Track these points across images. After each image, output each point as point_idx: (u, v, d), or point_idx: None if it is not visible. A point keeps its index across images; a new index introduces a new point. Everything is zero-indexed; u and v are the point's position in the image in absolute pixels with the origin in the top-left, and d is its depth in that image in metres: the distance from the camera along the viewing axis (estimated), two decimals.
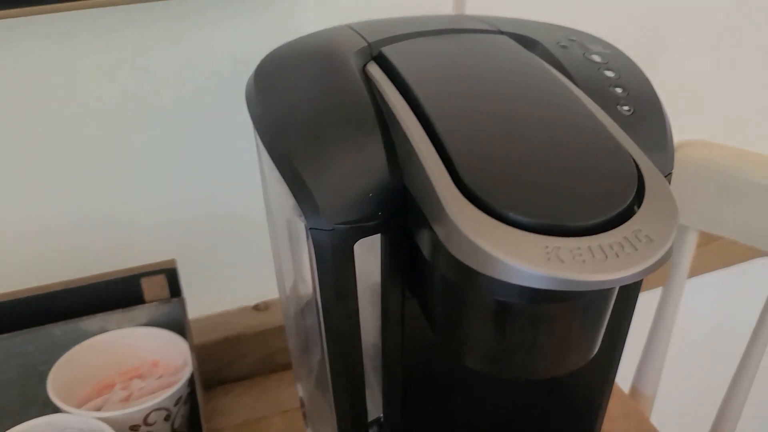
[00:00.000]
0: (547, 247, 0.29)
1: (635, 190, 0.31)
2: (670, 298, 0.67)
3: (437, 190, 0.31)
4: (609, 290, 0.33)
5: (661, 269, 0.71)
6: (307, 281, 0.43)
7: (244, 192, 0.62)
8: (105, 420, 0.45)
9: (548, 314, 0.33)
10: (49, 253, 0.57)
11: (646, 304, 0.71)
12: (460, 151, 0.32)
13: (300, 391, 0.56)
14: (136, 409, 0.46)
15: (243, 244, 0.66)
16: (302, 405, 0.56)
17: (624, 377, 0.70)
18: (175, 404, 0.49)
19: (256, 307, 0.68)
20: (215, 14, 0.54)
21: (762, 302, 0.63)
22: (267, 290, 0.68)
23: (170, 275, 0.53)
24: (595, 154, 0.33)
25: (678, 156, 0.61)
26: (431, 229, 0.32)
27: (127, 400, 0.49)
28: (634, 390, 0.71)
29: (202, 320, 0.65)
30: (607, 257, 0.28)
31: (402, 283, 0.39)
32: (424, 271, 0.37)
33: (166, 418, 0.49)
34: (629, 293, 0.43)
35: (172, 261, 0.54)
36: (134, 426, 0.47)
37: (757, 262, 0.88)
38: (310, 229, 0.35)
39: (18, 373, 0.52)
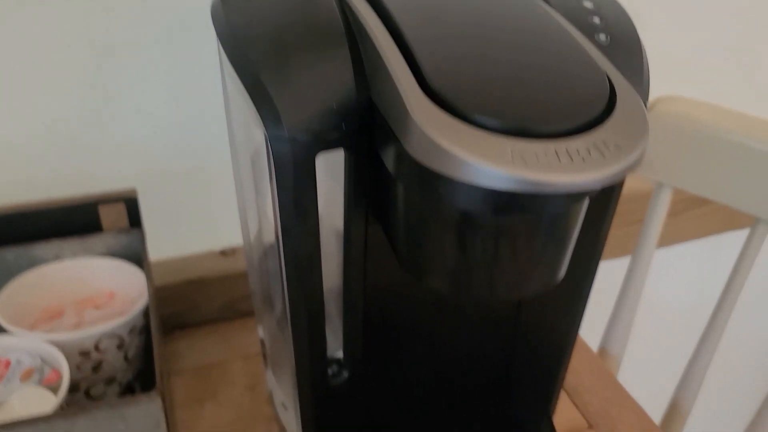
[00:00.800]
0: (512, 148, 0.27)
1: (606, 100, 0.30)
2: (642, 257, 0.66)
3: (402, 93, 0.30)
4: (573, 207, 0.32)
5: (634, 232, 0.70)
6: (270, 221, 0.42)
7: (217, 133, 0.61)
8: (54, 343, 0.44)
9: (510, 229, 0.32)
10: (5, 176, 0.55)
11: (620, 269, 0.71)
12: (428, 57, 0.31)
13: (261, 332, 0.54)
14: (87, 333, 0.45)
15: (212, 188, 0.64)
16: (263, 346, 0.55)
17: (593, 339, 0.69)
18: (129, 333, 0.47)
19: (223, 253, 0.66)
20: None
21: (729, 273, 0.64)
22: (235, 237, 0.67)
23: (130, 204, 0.51)
24: (567, 65, 0.32)
25: (654, 111, 0.60)
26: (396, 140, 0.31)
27: (78, 325, 0.48)
28: (602, 350, 0.71)
29: (165, 262, 0.63)
30: (573, 161, 0.27)
31: (365, 206, 0.38)
32: (387, 190, 0.36)
33: (119, 347, 0.47)
34: (597, 227, 0.42)
35: (133, 190, 0.52)
36: (85, 352, 0.45)
37: (730, 235, 0.88)
38: (270, 138, 0.34)
39: None
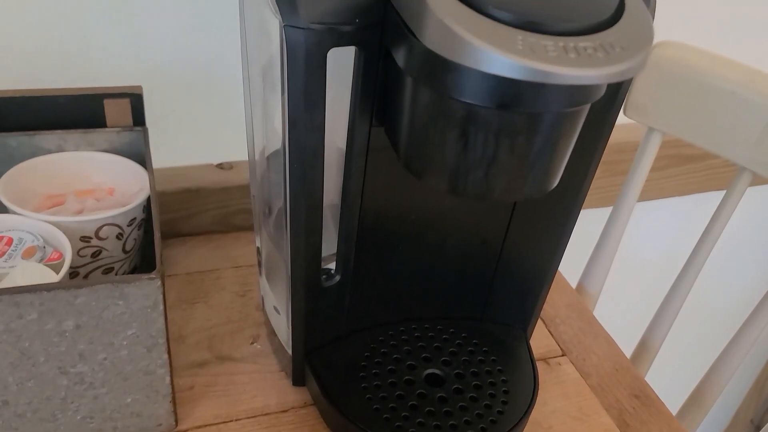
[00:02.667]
0: (522, 39, 0.29)
1: (615, 7, 0.31)
2: (626, 202, 0.68)
3: None
4: (573, 112, 0.34)
5: (621, 182, 0.71)
6: (277, 133, 0.42)
7: (226, 43, 0.61)
8: (57, 225, 0.45)
9: (511, 127, 0.33)
10: (10, 73, 0.55)
11: (605, 218, 0.73)
12: None
13: (258, 241, 0.56)
14: (89, 218, 0.46)
15: (214, 99, 0.64)
16: (258, 254, 0.56)
17: (573, 278, 0.72)
18: (129, 224, 0.49)
19: (220, 166, 0.67)
20: None
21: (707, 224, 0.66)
22: (233, 151, 0.68)
23: (135, 102, 0.52)
24: None
25: (653, 55, 0.61)
26: (410, 33, 0.32)
27: (79, 212, 0.49)
28: (580, 286, 0.74)
29: (163, 170, 0.64)
30: (579, 56, 0.29)
31: (371, 107, 0.39)
32: (394, 89, 0.37)
33: (119, 237, 0.48)
34: (591, 147, 0.44)
35: (138, 87, 0.52)
36: (85, 237, 0.46)
37: (710, 194, 0.91)
38: (285, 26, 0.35)
39: None
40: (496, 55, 0.28)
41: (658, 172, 0.85)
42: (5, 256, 0.43)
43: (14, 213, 0.45)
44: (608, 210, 0.72)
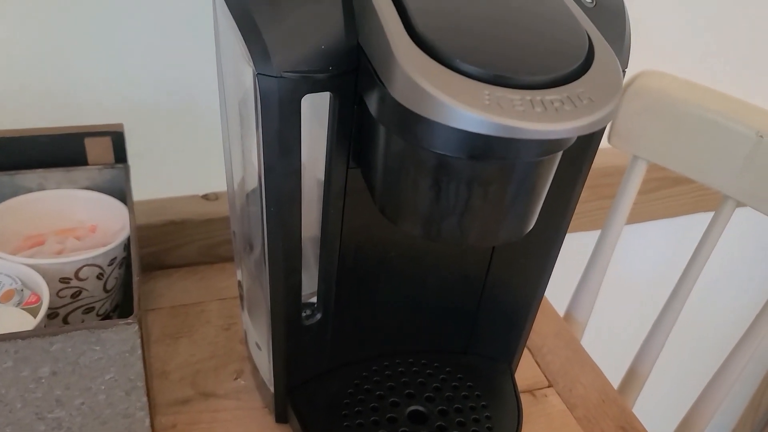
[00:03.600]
0: (489, 94, 0.29)
1: (584, 57, 0.32)
2: (613, 228, 0.68)
3: (389, 37, 0.31)
4: (545, 157, 0.34)
5: (608, 206, 0.72)
6: (255, 166, 0.43)
7: (205, 75, 0.61)
8: (35, 267, 0.45)
9: (483, 176, 0.33)
10: None
11: (592, 242, 0.73)
12: (416, 3, 0.32)
13: (239, 275, 0.56)
14: (68, 260, 0.46)
15: (197, 131, 0.64)
16: (240, 288, 0.56)
17: (560, 306, 0.72)
18: (110, 264, 0.49)
19: (205, 197, 0.67)
20: None
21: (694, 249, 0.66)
22: (218, 181, 0.67)
23: (116, 139, 0.52)
24: (550, 22, 0.33)
25: (634, 85, 0.61)
26: (380, 82, 0.32)
27: (59, 254, 0.49)
28: (568, 315, 0.74)
29: (147, 203, 0.64)
30: (546, 110, 0.29)
31: (347, 149, 0.39)
32: (369, 133, 0.37)
33: (99, 277, 0.48)
34: (570, 186, 0.44)
35: (120, 125, 0.52)
36: (65, 278, 0.46)
37: (698, 216, 0.91)
38: (258, 75, 0.35)
39: None
40: (463, 111, 0.28)
41: (646, 195, 0.85)
42: None
43: None
44: (596, 233, 0.72)
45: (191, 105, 0.62)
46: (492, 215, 0.35)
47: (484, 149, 0.31)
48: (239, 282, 0.56)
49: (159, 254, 0.65)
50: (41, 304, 0.43)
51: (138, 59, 0.58)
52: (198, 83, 0.61)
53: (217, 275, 0.65)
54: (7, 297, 0.43)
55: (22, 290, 0.44)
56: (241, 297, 0.56)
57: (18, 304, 0.43)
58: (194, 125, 0.63)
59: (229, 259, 0.67)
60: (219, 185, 0.68)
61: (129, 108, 0.60)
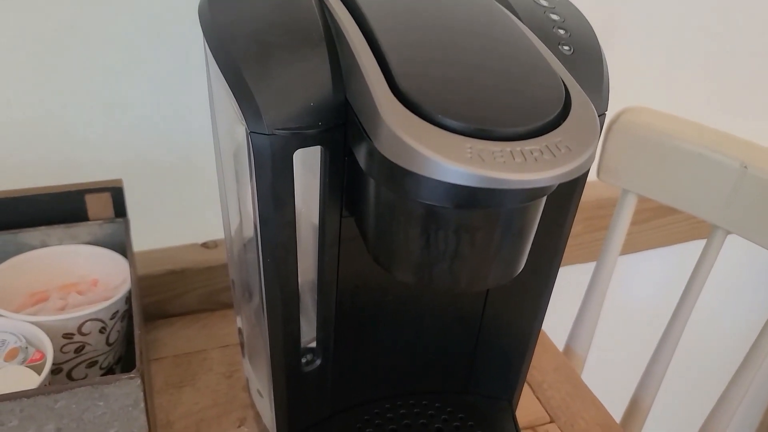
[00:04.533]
0: (471, 147, 0.30)
1: (561, 107, 0.33)
2: (608, 261, 0.69)
3: (374, 94, 0.32)
4: (529, 203, 0.35)
5: (602, 237, 0.73)
6: (250, 215, 0.44)
7: (200, 127, 0.63)
8: (39, 324, 0.46)
9: (470, 223, 0.34)
10: None
11: (588, 274, 0.74)
12: (398, 60, 0.34)
13: (239, 322, 0.56)
14: (71, 316, 0.46)
15: (194, 181, 0.66)
16: (240, 335, 0.57)
17: (559, 339, 0.72)
18: (112, 317, 0.49)
19: (205, 245, 0.68)
20: None
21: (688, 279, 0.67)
22: (217, 229, 0.69)
23: (116, 194, 0.53)
24: (528, 73, 0.35)
25: (620, 121, 0.63)
26: (367, 138, 0.34)
27: (62, 309, 0.50)
28: (568, 348, 0.74)
29: (148, 253, 0.65)
30: (526, 160, 0.30)
31: (340, 199, 0.41)
32: (359, 185, 0.38)
33: (101, 331, 0.49)
34: (559, 226, 0.45)
35: (119, 180, 0.54)
36: (68, 334, 0.47)
37: (692, 244, 0.92)
38: (251, 133, 0.36)
39: None
40: (447, 164, 0.29)
41: (639, 225, 0.86)
42: None
43: None
44: (592, 265, 0.73)
45: (188, 157, 0.64)
46: (481, 260, 0.36)
47: (469, 199, 0.32)
48: (239, 329, 0.56)
49: (161, 303, 0.66)
50: (45, 361, 0.44)
51: (135, 116, 0.60)
52: (193, 137, 0.63)
53: (219, 322, 0.66)
54: (11, 355, 0.44)
55: (26, 348, 0.45)
56: (242, 344, 0.57)
57: (22, 362, 0.44)
58: (191, 176, 0.65)
59: (230, 305, 0.68)
60: (217, 233, 0.69)
61: (127, 162, 0.61)
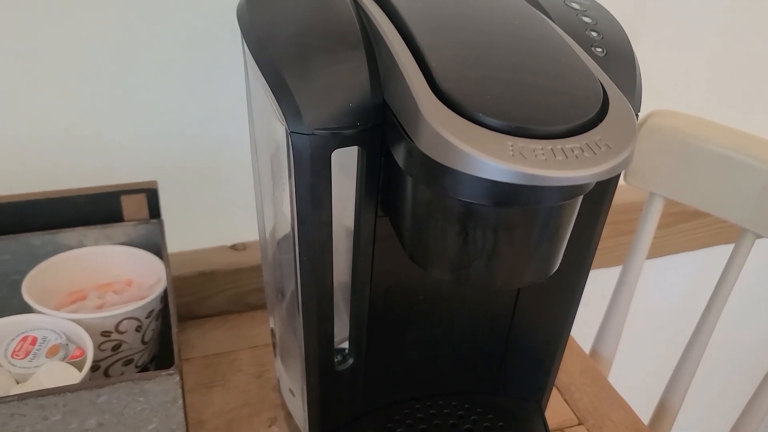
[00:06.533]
0: (512, 145, 0.31)
1: (600, 105, 0.33)
2: (634, 264, 0.69)
3: (414, 94, 0.33)
4: (567, 201, 0.35)
5: (627, 242, 0.73)
6: (286, 215, 0.45)
7: (232, 130, 0.64)
8: (78, 322, 0.47)
9: (508, 221, 0.35)
10: (32, 166, 0.58)
11: (614, 277, 0.74)
12: (438, 61, 0.34)
13: (272, 322, 0.57)
14: (109, 314, 0.47)
15: (225, 184, 0.67)
16: (273, 336, 0.57)
17: (586, 343, 0.72)
18: (147, 316, 0.50)
19: (234, 247, 0.69)
20: None
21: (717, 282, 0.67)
22: (246, 232, 0.70)
23: (151, 196, 0.54)
24: (565, 74, 0.35)
25: (647, 124, 0.63)
26: (407, 137, 0.34)
27: (100, 308, 0.50)
28: (594, 352, 0.74)
29: (178, 255, 0.66)
30: (567, 158, 0.30)
31: (375, 199, 0.41)
32: (396, 184, 0.39)
33: (137, 329, 0.50)
34: (591, 227, 0.45)
35: (154, 182, 0.55)
36: (106, 332, 0.48)
37: (719, 248, 0.91)
38: (291, 133, 0.37)
39: None
40: (489, 161, 0.30)
41: (665, 229, 0.86)
42: (30, 356, 0.45)
43: (38, 312, 0.47)
44: (618, 269, 0.73)
45: (217, 161, 0.65)
46: (518, 258, 0.36)
47: (509, 196, 0.33)
48: (272, 330, 0.57)
49: (190, 305, 0.66)
50: (86, 357, 0.45)
51: (167, 120, 0.61)
52: (223, 141, 0.64)
53: (247, 323, 0.67)
54: (53, 352, 0.45)
55: (66, 345, 0.46)
56: (274, 344, 0.57)
57: (63, 359, 0.45)
58: (221, 179, 0.66)
59: (258, 307, 0.69)
60: (246, 236, 0.70)
61: (159, 164, 0.62)
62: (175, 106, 0.61)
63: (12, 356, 0.44)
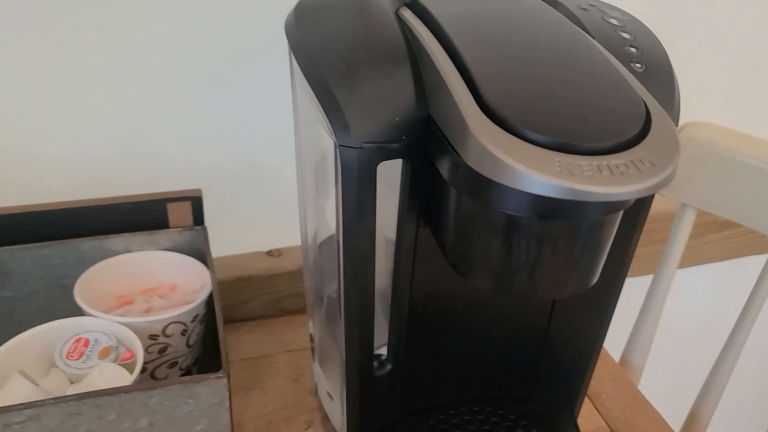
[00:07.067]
0: (559, 161, 0.32)
1: (643, 123, 0.34)
2: (665, 273, 0.70)
3: (462, 110, 0.34)
4: (610, 216, 0.36)
5: (659, 251, 0.73)
6: (329, 222, 0.46)
7: (272, 140, 0.65)
8: (128, 325, 0.48)
9: (552, 233, 0.36)
10: (83, 175, 0.60)
11: (645, 287, 0.74)
12: (484, 77, 0.35)
13: (311, 327, 0.58)
14: (157, 318, 0.49)
15: (262, 193, 0.69)
16: (312, 340, 0.59)
17: (616, 351, 0.73)
18: (192, 321, 0.52)
19: (270, 253, 0.71)
20: None
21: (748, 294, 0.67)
22: (281, 238, 0.71)
23: (195, 203, 0.56)
24: (608, 90, 0.36)
25: (681, 136, 0.64)
26: (453, 151, 0.35)
27: (147, 311, 0.52)
28: (624, 360, 0.74)
29: (216, 260, 0.67)
30: (612, 174, 0.31)
31: (418, 210, 0.42)
32: (440, 196, 0.40)
33: (183, 333, 0.51)
34: (627, 239, 0.46)
35: (198, 190, 0.57)
36: (153, 335, 0.50)
37: (750, 258, 0.91)
38: (339, 146, 0.38)
39: (42, 284, 0.55)
40: (537, 177, 0.31)
41: (696, 239, 0.86)
42: (83, 357, 0.47)
43: (90, 315, 0.49)
44: (648, 278, 0.74)
45: (257, 169, 0.66)
46: (560, 270, 0.37)
47: (554, 210, 0.34)
48: (311, 335, 0.58)
49: (227, 309, 0.68)
50: (136, 360, 0.47)
51: (209, 129, 0.63)
52: (263, 150, 0.66)
53: (284, 328, 0.68)
54: (104, 353, 0.47)
55: (117, 347, 0.48)
56: (312, 348, 0.59)
57: (114, 360, 0.47)
58: (259, 187, 0.67)
59: (294, 311, 0.70)
60: (281, 242, 0.72)
61: (200, 169, 0.64)
62: (220, 117, 0.63)
63: (66, 357, 0.46)
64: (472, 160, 0.33)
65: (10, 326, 0.52)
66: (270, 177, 0.68)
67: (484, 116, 0.34)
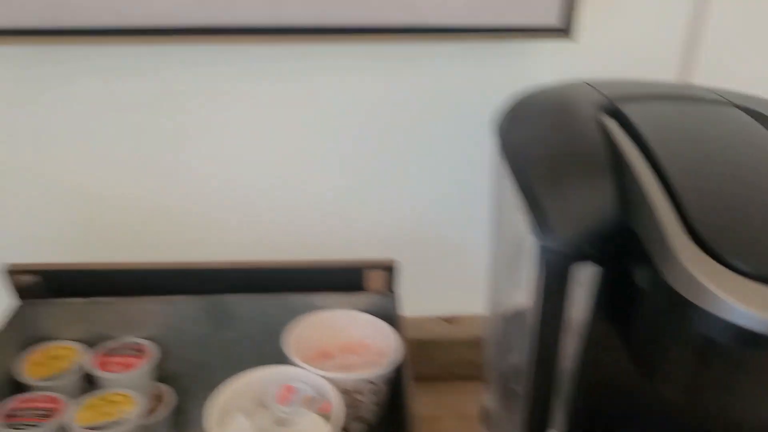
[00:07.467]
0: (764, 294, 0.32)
1: None
2: None
3: (666, 230, 0.36)
4: None
5: None
6: (517, 305, 0.49)
7: (462, 221, 0.71)
8: (330, 380, 0.54)
9: (752, 361, 0.36)
10: (289, 238, 0.69)
11: None
12: (692, 203, 0.37)
13: (487, 397, 0.61)
14: (355, 377, 0.55)
15: (448, 261, 0.74)
16: (485, 410, 0.62)
17: None
18: (384, 382, 0.57)
19: (447, 320, 0.75)
20: (465, 62, 0.64)
21: None
22: (458, 306, 0.75)
23: (390, 271, 0.62)
24: None
25: None
26: (653, 266, 0.37)
27: (342, 368, 0.58)
28: None
29: None
30: None
31: (609, 313, 0.44)
32: (634, 303, 0.42)
33: (374, 392, 0.57)
34: None
35: (393, 260, 0.62)
36: (348, 391, 0.55)
37: None
38: (541, 247, 0.42)
39: (256, 330, 0.63)
40: (746, 311, 0.32)
41: None
42: (290, 403, 0.53)
43: (297, 366, 0.56)
44: None
45: (443, 242, 0.71)
46: (756, 399, 0.37)
47: (759, 342, 0.34)
48: (485, 406, 0.61)
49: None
50: (333, 412, 0.52)
51: (410, 203, 0.69)
52: (452, 226, 0.71)
53: (454, 392, 0.72)
54: (307, 402, 0.53)
55: (317, 398, 0.54)
56: (485, 418, 0.61)
57: (315, 410, 0.53)
58: (445, 257, 0.72)
59: (464, 378, 0.73)
60: (457, 310, 0.76)
61: (392, 236, 0.71)
62: (419, 192, 0.69)
63: (277, 401, 0.53)
64: (674, 281, 0.35)
65: (228, 363, 0.60)
66: (453, 249, 0.72)
67: (689, 240, 0.35)
